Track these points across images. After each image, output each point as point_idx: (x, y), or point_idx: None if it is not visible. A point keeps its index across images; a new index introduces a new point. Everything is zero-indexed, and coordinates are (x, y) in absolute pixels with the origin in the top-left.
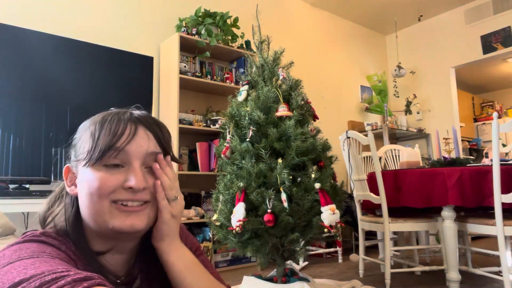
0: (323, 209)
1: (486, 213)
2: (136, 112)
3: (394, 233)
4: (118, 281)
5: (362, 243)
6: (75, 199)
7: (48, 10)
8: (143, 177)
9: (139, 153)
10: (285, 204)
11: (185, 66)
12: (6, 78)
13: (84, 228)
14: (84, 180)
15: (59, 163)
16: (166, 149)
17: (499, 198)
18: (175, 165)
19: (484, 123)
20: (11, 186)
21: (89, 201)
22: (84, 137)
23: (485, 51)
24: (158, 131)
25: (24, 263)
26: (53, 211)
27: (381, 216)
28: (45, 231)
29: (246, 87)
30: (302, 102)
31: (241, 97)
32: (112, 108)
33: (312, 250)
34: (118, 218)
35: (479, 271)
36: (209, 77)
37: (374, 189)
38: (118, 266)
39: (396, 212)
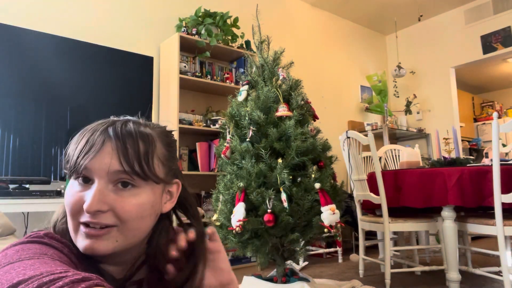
0: (323, 209)
1: (486, 213)
2: (118, 125)
3: (394, 233)
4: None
5: (362, 243)
6: None
7: (48, 10)
8: (101, 199)
9: (101, 170)
10: (285, 204)
11: (185, 66)
12: (6, 78)
13: None
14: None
15: (59, 163)
16: (136, 168)
17: (499, 198)
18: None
19: (484, 123)
20: (11, 186)
21: (68, 215)
22: (68, 147)
23: (485, 51)
24: (130, 146)
25: (24, 264)
26: (61, 211)
27: (381, 216)
28: (49, 233)
29: (246, 87)
30: (302, 102)
31: (241, 97)
32: (111, 117)
33: (312, 250)
34: (81, 239)
35: (479, 271)
36: (209, 77)
37: (374, 189)
38: (116, 272)
39: (396, 212)
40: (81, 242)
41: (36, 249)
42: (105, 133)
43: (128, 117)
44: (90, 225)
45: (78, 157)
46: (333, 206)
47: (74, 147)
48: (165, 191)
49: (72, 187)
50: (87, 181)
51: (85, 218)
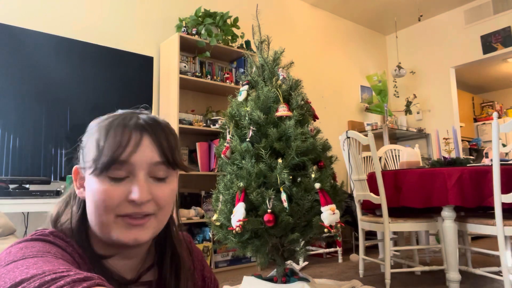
0: (323, 209)
1: (486, 213)
2: (143, 117)
3: (394, 233)
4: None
5: (362, 243)
6: (82, 202)
7: (48, 10)
8: (147, 189)
9: (144, 163)
10: (285, 204)
11: (185, 66)
12: (6, 78)
13: (90, 230)
14: (89, 189)
15: (59, 163)
16: (171, 159)
17: (499, 198)
18: None
19: (484, 123)
20: (11, 186)
21: (94, 212)
22: (90, 143)
23: (485, 51)
24: (164, 138)
25: (27, 262)
26: (63, 211)
27: (381, 216)
28: (54, 231)
29: (246, 87)
30: (302, 102)
31: (241, 97)
32: (119, 110)
33: (312, 250)
34: (122, 231)
35: (479, 271)
36: (209, 77)
37: (374, 189)
38: (124, 271)
39: (396, 212)
40: (121, 233)
41: (40, 247)
42: (140, 127)
43: (138, 110)
44: (132, 216)
45: (116, 153)
46: (333, 206)
47: (106, 143)
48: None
49: (100, 183)
50: (120, 178)
51: (127, 209)
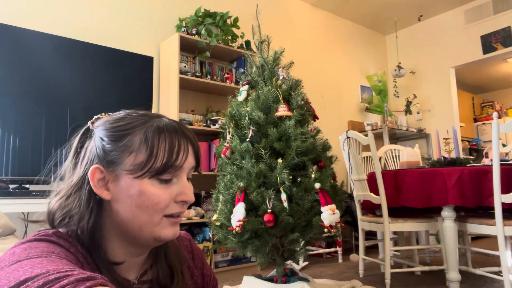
0: (323, 209)
1: (486, 213)
2: (177, 123)
3: (394, 233)
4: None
5: (362, 243)
6: (98, 202)
7: (48, 10)
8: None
9: (188, 168)
10: (285, 204)
11: (185, 66)
12: (6, 78)
13: (106, 233)
14: (133, 191)
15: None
16: (199, 163)
17: (499, 198)
18: None
19: (484, 123)
20: (11, 186)
21: (142, 213)
22: (134, 145)
23: (485, 51)
24: (197, 145)
25: (31, 262)
26: (66, 210)
27: (381, 216)
28: (57, 231)
29: (246, 87)
30: (302, 102)
31: (241, 97)
32: (122, 110)
33: (312, 250)
34: (166, 228)
35: (479, 271)
36: (209, 77)
37: (374, 189)
38: (130, 269)
39: (396, 212)
40: (168, 231)
41: (43, 247)
42: (185, 134)
43: (155, 114)
44: (175, 215)
45: (171, 159)
46: (333, 206)
47: (157, 150)
48: None
49: (150, 186)
50: (168, 180)
51: (175, 209)
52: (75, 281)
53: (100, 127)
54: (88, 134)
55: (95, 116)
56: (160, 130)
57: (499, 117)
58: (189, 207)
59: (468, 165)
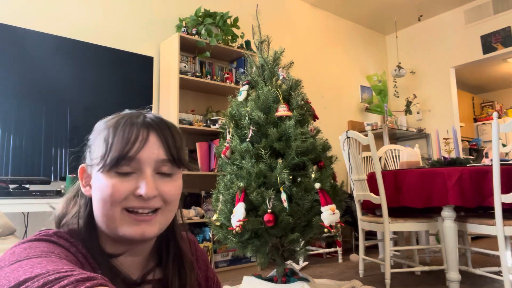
0: (323, 209)
1: (486, 213)
2: (149, 116)
3: (394, 233)
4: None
5: (362, 243)
6: (89, 200)
7: (48, 10)
8: (154, 185)
9: (151, 160)
10: (285, 204)
11: (185, 66)
12: (6, 78)
13: (98, 229)
14: (97, 185)
15: (59, 163)
16: (176, 157)
17: (499, 198)
18: None
19: (484, 123)
20: (11, 186)
21: (101, 207)
22: (98, 140)
23: (485, 51)
24: (170, 136)
25: (31, 262)
26: (68, 211)
27: (381, 216)
28: (58, 231)
29: (246, 87)
30: (302, 102)
31: (241, 97)
32: (126, 110)
33: (312, 250)
34: (129, 226)
35: (479, 271)
36: (209, 77)
37: (374, 189)
38: (132, 268)
39: (396, 212)
40: (130, 229)
41: (43, 247)
42: (147, 125)
43: (144, 110)
44: (139, 211)
45: (124, 150)
46: (333, 206)
47: (115, 140)
48: None
49: (108, 179)
50: (128, 173)
51: (134, 203)
52: (75, 281)
53: None
54: None
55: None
56: (118, 124)
57: (499, 117)
58: (189, 207)
59: (468, 165)
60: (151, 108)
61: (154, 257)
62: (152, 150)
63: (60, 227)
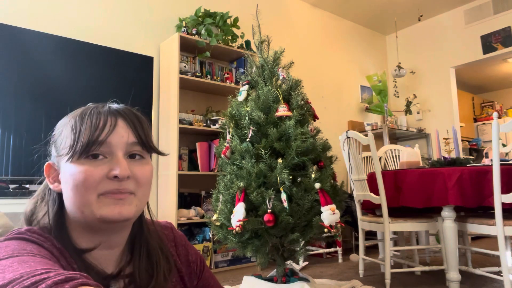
0: (323, 209)
1: (486, 213)
2: (115, 106)
3: (394, 233)
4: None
5: (362, 243)
6: (57, 196)
7: (48, 10)
8: (127, 166)
9: (121, 143)
10: (285, 204)
11: (185, 66)
12: (6, 78)
13: (69, 224)
14: (68, 175)
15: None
16: (145, 140)
17: (499, 198)
18: (174, 164)
19: (484, 123)
20: (11, 186)
21: (76, 194)
22: (65, 132)
23: (485, 51)
24: (137, 122)
25: (1, 265)
26: (38, 209)
27: (381, 216)
28: (31, 228)
29: (246, 87)
30: (302, 102)
31: (241, 97)
32: (89, 104)
33: (312, 250)
34: (106, 206)
35: (479, 271)
36: (209, 77)
37: (374, 189)
38: (106, 262)
39: (396, 212)
40: (109, 209)
41: (14, 246)
42: (114, 112)
43: (108, 102)
44: (114, 192)
45: (94, 135)
46: (333, 206)
47: (83, 127)
48: None
49: (80, 166)
50: (96, 157)
51: (108, 186)
52: (52, 284)
53: None
54: None
55: None
56: (85, 113)
57: (499, 117)
58: (189, 207)
59: (468, 165)
60: (116, 102)
61: (127, 253)
62: (122, 133)
63: (32, 225)
